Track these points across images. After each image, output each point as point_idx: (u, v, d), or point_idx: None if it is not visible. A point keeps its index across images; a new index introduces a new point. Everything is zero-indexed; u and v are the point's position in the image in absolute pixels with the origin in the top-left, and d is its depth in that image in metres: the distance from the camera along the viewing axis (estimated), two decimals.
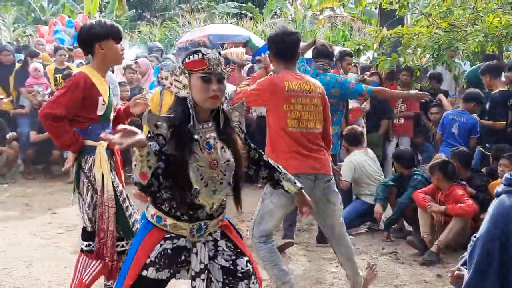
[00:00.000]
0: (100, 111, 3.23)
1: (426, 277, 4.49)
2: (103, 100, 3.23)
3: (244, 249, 2.53)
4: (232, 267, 2.44)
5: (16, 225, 5.47)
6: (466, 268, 2.55)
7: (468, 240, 3.00)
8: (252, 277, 2.47)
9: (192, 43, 7.10)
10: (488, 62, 6.36)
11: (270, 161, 2.67)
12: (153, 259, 2.32)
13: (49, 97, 8.08)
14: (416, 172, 5.62)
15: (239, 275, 2.44)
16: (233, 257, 2.47)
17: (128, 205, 3.28)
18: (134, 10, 23.46)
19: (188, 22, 17.50)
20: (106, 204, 3.17)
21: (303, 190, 2.73)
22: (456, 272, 2.65)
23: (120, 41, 3.31)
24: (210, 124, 2.35)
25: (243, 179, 2.44)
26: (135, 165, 2.08)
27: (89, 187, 3.20)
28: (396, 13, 7.27)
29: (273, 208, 3.55)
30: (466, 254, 2.62)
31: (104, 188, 3.16)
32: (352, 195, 5.99)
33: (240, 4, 21.07)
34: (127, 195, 3.30)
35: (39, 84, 8.07)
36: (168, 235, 2.36)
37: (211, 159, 2.30)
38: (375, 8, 9.02)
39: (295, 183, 2.70)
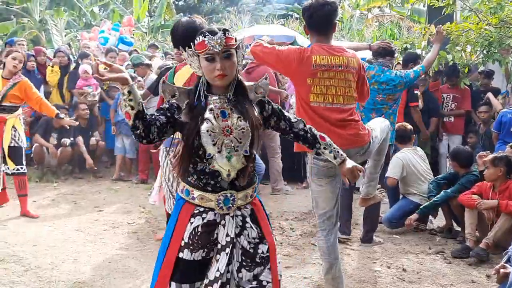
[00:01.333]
0: None
1: (473, 277, 4.39)
2: None
3: (268, 235, 2.54)
4: (252, 251, 2.48)
5: (64, 222, 5.62)
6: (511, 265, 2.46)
7: None
8: (268, 265, 2.50)
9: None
10: None
11: (311, 132, 2.67)
12: (186, 240, 2.41)
13: (98, 96, 8.34)
14: (473, 172, 5.46)
15: (258, 260, 2.49)
16: (257, 240, 2.50)
17: None
18: (182, 14, 23.82)
19: (235, 24, 17.60)
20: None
21: (346, 160, 2.69)
22: (502, 270, 2.55)
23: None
24: (228, 95, 2.44)
25: (257, 148, 2.50)
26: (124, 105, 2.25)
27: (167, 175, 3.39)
28: (443, 10, 7.08)
29: (320, 189, 3.54)
30: (510, 250, 2.52)
31: None
32: (399, 194, 5.87)
33: (287, 6, 21.04)
34: None
35: (88, 86, 8.28)
36: (197, 210, 2.43)
37: (224, 126, 2.39)
38: (423, 6, 8.81)
39: (338, 153, 2.68)
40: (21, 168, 5.79)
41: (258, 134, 2.46)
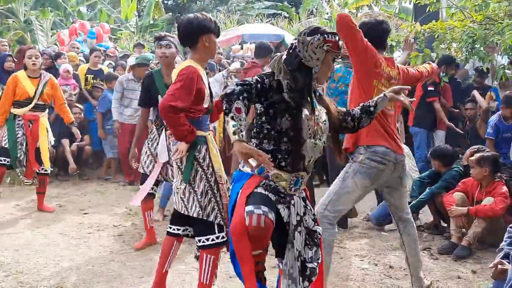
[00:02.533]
0: (206, 103, 3.35)
1: (460, 273, 4.42)
2: (206, 93, 3.35)
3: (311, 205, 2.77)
4: (314, 229, 2.67)
5: (49, 225, 5.55)
6: (509, 262, 2.44)
7: (502, 232, 2.88)
8: (319, 247, 2.70)
9: None
10: None
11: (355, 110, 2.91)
12: (261, 184, 2.55)
13: (76, 97, 8.26)
14: (454, 168, 5.46)
15: (316, 240, 2.67)
16: (315, 221, 2.71)
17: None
18: (170, 14, 23.73)
19: (224, 23, 17.55)
20: (223, 192, 3.34)
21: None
22: (500, 266, 2.53)
23: (219, 36, 3.45)
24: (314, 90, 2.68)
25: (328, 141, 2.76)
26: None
27: (203, 176, 3.32)
28: (427, 8, 7.07)
29: (354, 188, 3.56)
30: (504, 246, 2.50)
31: (220, 176, 3.36)
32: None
33: (276, 4, 21.01)
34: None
35: (66, 85, 8.19)
36: (263, 182, 2.55)
37: (315, 115, 2.61)
38: (410, 3, 8.81)
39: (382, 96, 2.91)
40: (48, 169, 6.03)
41: (332, 127, 2.73)
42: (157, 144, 4.61)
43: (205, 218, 3.28)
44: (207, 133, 3.41)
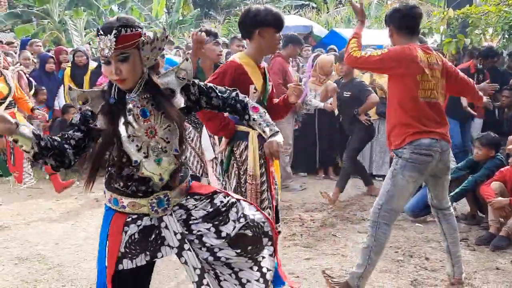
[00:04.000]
0: (252, 99, 3.20)
1: (498, 263, 4.35)
2: (255, 89, 3.21)
3: (214, 191, 2.40)
4: (211, 209, 2.32)
5: (87, 220, 5.68)
6: None
7: None
8: (239, 203, 2.37)
9: None
10: None
11: (242, 101, 2.44)
12: (123, 250, 2.20)
13: None
14: (496, 156, 5.36)
15: (223, 208, 2.33)
16: (208, 200, 2.34)
17: (265, 197, 3.27)
18: (199, 9, 23.87)
19: None
20: (259, 191, 3.22)
21: (278, 133, 2.41)
22: None
23: (281, 30, 3.28)
24: (143, 93, 2.19)
25: (185, 144, 2.27)
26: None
27: (236, 172, 3.25)
28: None
29: (405, 184, 3.54)
30: None
31: (252, 176, 3.21)
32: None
33: None
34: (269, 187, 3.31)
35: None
36: (130, 218, 2.23)
37: (147, 127, 2.16)
38: None
39: (270, 126, 2.40)
40: None
41: (183, 129, 2.25)
42: (199, 142, 4.67)
43: None
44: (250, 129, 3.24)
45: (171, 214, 2.26)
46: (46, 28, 17.30)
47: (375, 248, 3.56)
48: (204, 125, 4.41)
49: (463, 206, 5.71)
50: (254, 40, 3.24)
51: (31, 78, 7.91)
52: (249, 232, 2.34)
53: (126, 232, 2.22)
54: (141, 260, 2.22)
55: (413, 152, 3.49)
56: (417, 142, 3.49)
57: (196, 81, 2.36)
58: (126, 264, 2.21)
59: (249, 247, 2.35)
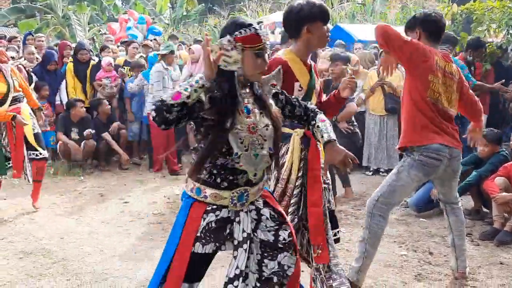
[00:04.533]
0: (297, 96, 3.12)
1: (502, 258, 4.35)
2: (300, 86, 3.10)
3: (286, 221, 2.51)
4: (274, 239, 2.42)
5: (91, 214, 5.71)
6: None
7: None
8: (292, 249, 2.45)
9: None
10: None
11: (313, 110, 2.58)
12: (199, 234, 2.33)
13: (117, 88, 8.45)
14: (501, 151, 5.35)
15: (280, 246, 2.42)
16: (276, 227, 2.45)
17: (294, 202, 3.12)
18: (203, 4, 23.86)
19: (255, 12, 17.54)
20: (288, 195, 3.08)
21: (333, 143, 2.48)
22: None
23: (327, 23, 3.10)
24: (247, 90, 2.37)
25: (278, 146, 2.44)
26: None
27: (276, 175, 3.10)
28: None
29: (409, 182, 3.59)
30: None
31: (289, 178, 3.08)
32: None
33: None
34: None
35: (107, 77, 8.37)
36: (210, 208, 2.35)
37: (250, 123, 2.31)
38: None
39: (328, 132, 2.50)
40: (43, 153, 5.76)
41: (280, 129, 2.41)
42: None
43: None
44: (294, 131, 3.13)
45: (246, 212, 2.40)
46: (50, 23, 17.34)
47: (370, 240, 3.58)
48: None
49: (467, 201, 5.71)
50: (301, 37, 3.06)
51: (32, 73, 7.94)
52: (275, 279, 2.43)
53: (204, 219, 2.35)
54: (210, 248, 2.36)
55: (421, 154, 3.53)
56: (427, 145, 3.53)
57: (283, 91, 2.53)
58: (198, 248, 2.33)
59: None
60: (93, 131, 7.83)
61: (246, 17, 16.98)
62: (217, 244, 2.36)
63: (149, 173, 7.89)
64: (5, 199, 6.23)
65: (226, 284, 2.35)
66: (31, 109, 5.83)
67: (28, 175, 5.71)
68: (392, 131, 7.33)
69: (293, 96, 2.54)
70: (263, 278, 2.40)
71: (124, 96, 8.59)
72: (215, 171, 2.32)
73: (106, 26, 17.29)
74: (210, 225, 2.35)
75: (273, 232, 2.43)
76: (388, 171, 6.94)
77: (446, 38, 5.20)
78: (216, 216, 2.36)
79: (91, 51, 9.02)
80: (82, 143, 7.78)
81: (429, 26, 3.67)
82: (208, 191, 2.33)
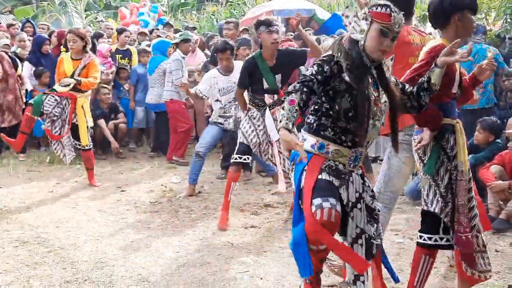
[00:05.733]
0: (454, 89, 3.08)
1: (497, 246, 4.37)
2: (457, 77, 3.10)
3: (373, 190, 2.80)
4: (372, 207, 2.68)
5: (87, 203, 5.69)
6: None
7: None
8: (379, 224, 2.73)
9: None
10: None
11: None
12: (323, 167, 2.55)
13: (112, 75, 8.44)
14: (497, 140, 5.34)
15: (375, 216, 2.68)
16: (373, 198, 2.72)
17: (472, 196, 3.07)
18: None
19: None
20: (465, 187, 3.01)
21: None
22: None
23: (476, 12, 3.16)
24: (373, 67, 2.59)
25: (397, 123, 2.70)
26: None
27: (448, 168, 3.02)
28: None
29: (401, 165, 3.58)
30: None
31: (462, 171, 3.02)
32: None
33: None
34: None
35: (103, 64, 8.34)
36: (325, 165, 2.55)
37: (375, 95, 2.56)
38: None
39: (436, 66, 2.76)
40: (89, 145, 6.27)
41: (397, 108, 2.65)
42: (261, 123, 4.86)
43: (440, 216, 3.01)
44: (455, 121, 3.08)
45: (357, 174, 2.64)
46: (46, 10, 17.20)
47: (388, 208, 3.60)
48: (267, 108, 4.76)
49: None
50: (450, 26, 3.07)
51: (16, 58, 7.89)
52: (378, 241, 2.76)
53: (324, 164, 2.57)
54: (335, 181, 2.54)
55: (406, 134, 3.50)
56: (410, 126, 3.46)
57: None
58: (325, 176, 2.53)
59: None
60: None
61: (245, 5, 16.88)
62: (339, 181, 2.54)
63: (146, 162, 7.88)
64: (1, 187, 6.22)
65: (351, 244, 2.57)
66: None
67: (66, 156, 6.21)
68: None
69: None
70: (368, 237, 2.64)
71: (130, 84, 8.68)
72: (341, 132, 2.56)
73: (103, 14, 17.18)
74: (331, 166, 2.56)
75: (371, 201, 2.68)
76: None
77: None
78: (332, 170, 2.55)
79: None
80: None
81: (398, 2, 3.57)
82: (332, 147, 2.57)
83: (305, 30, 9.19)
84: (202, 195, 5.94)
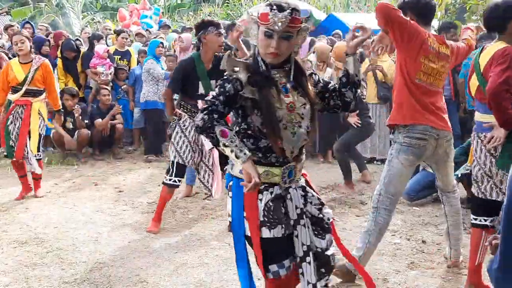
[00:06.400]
0: None
1: None
2: None
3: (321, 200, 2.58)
4: (320, 216, 2.49)
5: (85, 203, 5.70)
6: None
7: None
8: (331, 232, 2.54)
9: None
10: None
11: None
12: (262, 218, 2.37)
13: (111, 76, 8.45)
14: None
15: (325, 226, 2.51)
16: (320, 206, 2.51)
17: None
18: None
19: (251, 0, 17.44)
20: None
21: None
22: (494, 241, 2.51)
23: None
24: (284, 70, 2.41)
25: (316, 124, 2.48)
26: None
27: None
28: None
29: (401, 168, 3.60)
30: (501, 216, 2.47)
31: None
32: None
33: None
34: None
35: (102, 65, 8.35)
36: (262, 186, 2.38)
37: (288, 101, 2.36)
38: None
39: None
40: (39, 155, 5.86)
41: (317, 109, 2.48)
42: (194, 132, 4.64)
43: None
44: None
45: (295, 189, 2.45)
46: (43, 11, 17.19)
47: (375, 232, 3.62)
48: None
49: (460, 190, 5.72)
50: (507, 31, 3.24)
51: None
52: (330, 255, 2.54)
53: (261, 200, 2.39)
54: (278, 232, 2.38)
55: (406, 136, 3.56)
56: (411, 126, 3.55)
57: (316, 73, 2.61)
58: (265, 233, 2.37)
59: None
60: (71, 122, 7.82)
61: (241, 6, 16.92)
62: (283, 226, 2.38)
63: (143, 162, 7.87)
64: None
65: (299, 264, 2.43)
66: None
67: (33, 166, 5.76)
68: (386, 120, 7.31)
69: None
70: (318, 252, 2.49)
71: (128, 85, 8.70)
72: (266, 153, 2.38)
73: (100, 15, 17.17)
74: (269, 205, 2.38)
75: (318, 211, 2.50)
76: (383, 160, 6.97)
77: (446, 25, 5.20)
78: (271, 193, 2.40)
79: (76, 47, 8.87)
80: (76, 133, 7.77)
81: (419, 9, 3.64)
82: (260, 170, 2.35)
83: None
84: (199, 195, 5.95)
